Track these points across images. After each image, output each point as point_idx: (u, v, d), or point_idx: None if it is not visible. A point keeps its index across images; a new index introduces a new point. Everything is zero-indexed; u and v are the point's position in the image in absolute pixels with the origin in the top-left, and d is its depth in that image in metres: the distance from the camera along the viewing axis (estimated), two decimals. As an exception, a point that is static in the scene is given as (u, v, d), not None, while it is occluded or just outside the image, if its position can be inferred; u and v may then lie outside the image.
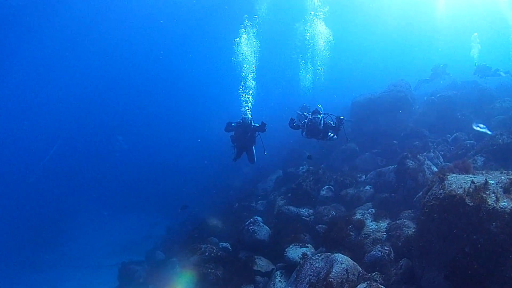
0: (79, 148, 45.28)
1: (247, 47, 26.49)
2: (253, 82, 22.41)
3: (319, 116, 12.68)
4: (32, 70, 43.24)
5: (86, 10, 38.01)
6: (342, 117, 12.71)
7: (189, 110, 54.27)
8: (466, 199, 5.59)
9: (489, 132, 12.92)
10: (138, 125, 50.94)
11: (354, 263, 7.88)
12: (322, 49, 32.04)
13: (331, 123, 12.94)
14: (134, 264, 17.53)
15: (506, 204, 5.31)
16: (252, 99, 19.43)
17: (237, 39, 27.09)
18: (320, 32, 31.14)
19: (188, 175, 32.76)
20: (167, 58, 52.99)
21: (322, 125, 12.73)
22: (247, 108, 17.74)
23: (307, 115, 13.39)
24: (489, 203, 5.40)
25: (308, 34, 32.03)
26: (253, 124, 13.61)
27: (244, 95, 19.98)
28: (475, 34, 34.62)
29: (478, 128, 13.68)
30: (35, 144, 44.78)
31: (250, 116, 13.57)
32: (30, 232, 27.31)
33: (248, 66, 24.06)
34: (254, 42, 27.55)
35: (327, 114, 13.21)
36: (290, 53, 41.48)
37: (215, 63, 55.14)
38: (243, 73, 23.16)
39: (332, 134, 13.22)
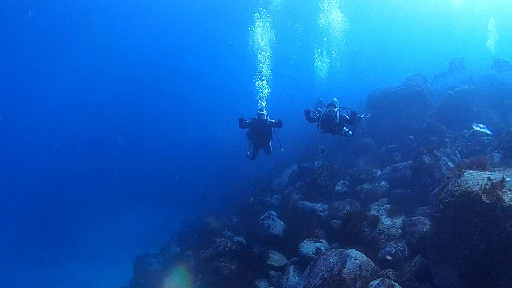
0: (89, 144, 45.73)
1: (261, 35, 26.32)
2: (269, 71, 22.32)
3: (334, 109, 12.75)
4: (32, 70, 43.44)
5: (86, 8, 37.91)
6: (362, 116, 12.70)
7: (199, 105, 54.35)
8: (482, 196, 5.53)
9: (489, 132, 12.80)
10: (150, 121, 51.16)
11: (368, 259, 7.87)
12: (338, 36, 31.83)
13: (347, 116, 12.92)
14: (149, 257, 17.67)
15: (523, 202, 5.24)
16: (268, 87, 19.38)
17: (252, 26, 26.87)
18: (336, 20, 30.95)
19: (202, 170, 32.90)
20: (168, 55, 52.90)
21: (338, 119, 12.81)
22: (262, 99, 17.76)
23: (321, 110, 13.59)
24: (506, 201, 5.33)
25: (323, 20, 31.81)
26: (269, 120, 13.58)
27: (259, 81, 19.89)
28: (491, 19, 33.88)
29: (478, 128, 13.57)
30: (37, 144, 45.39)
31: (265, 111, 13.50)
32: (46, 228, 27.76)
33: (263, 52, 23.95)
34: (269, 30, 27.38)
35: (342, 107, 13.27)
36: (305, 43, 41.28)
37: (224, 57, 55.07)
38: (259, 61, 23.06)
39: (347, 129, 13.29)
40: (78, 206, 32.06)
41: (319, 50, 34.51)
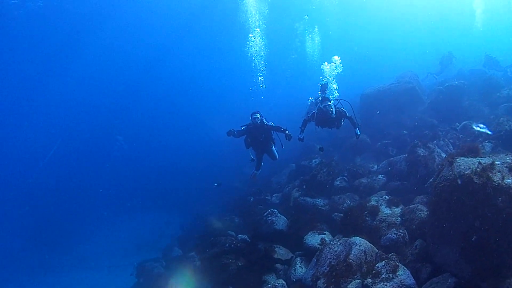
0: (85, 149, 45.75)
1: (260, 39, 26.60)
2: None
3: (329, 103, 11.66)
4: (32, 70, 43.16)
5: (86, 8, 37.81)
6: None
7: (195, 107, 54.51)
8: (473, 178, 6.06)
9: (489, 132, 13.21)
10: (144, 125, 51.18)
11: (372, 245, 8.36)
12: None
13: (343, 109, 12.04)
14: (151, 261, 17.76)
15: (511, 181, 5.80)
16: (264, 85, 19.24)
17: (251, 35, 27.14)
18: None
19: (199, 172, 33.00)
20: (167, 56, 52.94)
21: (335, 113, 11.81)
22: (260, 85, 17.23)
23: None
24: (495, 180, 5.87)
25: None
26: (266, 123, 12.30)
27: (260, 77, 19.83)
28: None
29: (478, 128, 13.92)
30: (36, 145, 45.35)
31: (259, 115, 12.02)
32: (43, 235, 27.63)
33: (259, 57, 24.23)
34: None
35: (338, 100, 12.40)
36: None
37: (221, 60, 55.31)
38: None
39: (356, 131, 12.30)
40: (75, 212, 31.97)
41: (306, 17, 34.41)
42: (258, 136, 12.39)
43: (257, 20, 28.07)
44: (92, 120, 49.50)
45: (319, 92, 13.15)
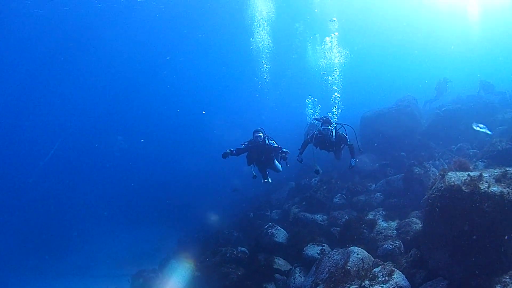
0: (85, 149, 45.85)
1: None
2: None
3: (329, 127, 11.50)
4: (32, 70, 43.25)
5: (86, 8, 38.11)
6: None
7: (193, 111, 54.99)
8: (462, 187, 6.62)
9: (489, 132, 13.62)
10: (141, 128, 51.67)
11: (369, 254, 8.85)
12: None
13: (345, 135, 11.87)
14: (147, 272, 18.10)
15: (496, 189, 6.38)
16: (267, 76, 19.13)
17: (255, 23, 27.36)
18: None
19: (198, 185, 32.91)
20: (168, 56, 53.17)
21: (334, 137, 11.69)
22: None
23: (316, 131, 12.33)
24: (482, 188, 6.46)
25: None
26: (268, 142, 11.78)
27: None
28: None
29: (478, 128, 14.25)
30: (36, 145, 45.50)
31: (262, 134, 11.52)
32: (38, 240, 27.71)
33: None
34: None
35: (340, 124, 12.15)
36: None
37: (222, 60, 55.91)
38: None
39: (352, 161, 12.27)
40: (72, 219, 32.11)
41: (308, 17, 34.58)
42: (259, 155, 11.90)
43: (260, 16, 28.19)
44: (92, 121, 49.75)
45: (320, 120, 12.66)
